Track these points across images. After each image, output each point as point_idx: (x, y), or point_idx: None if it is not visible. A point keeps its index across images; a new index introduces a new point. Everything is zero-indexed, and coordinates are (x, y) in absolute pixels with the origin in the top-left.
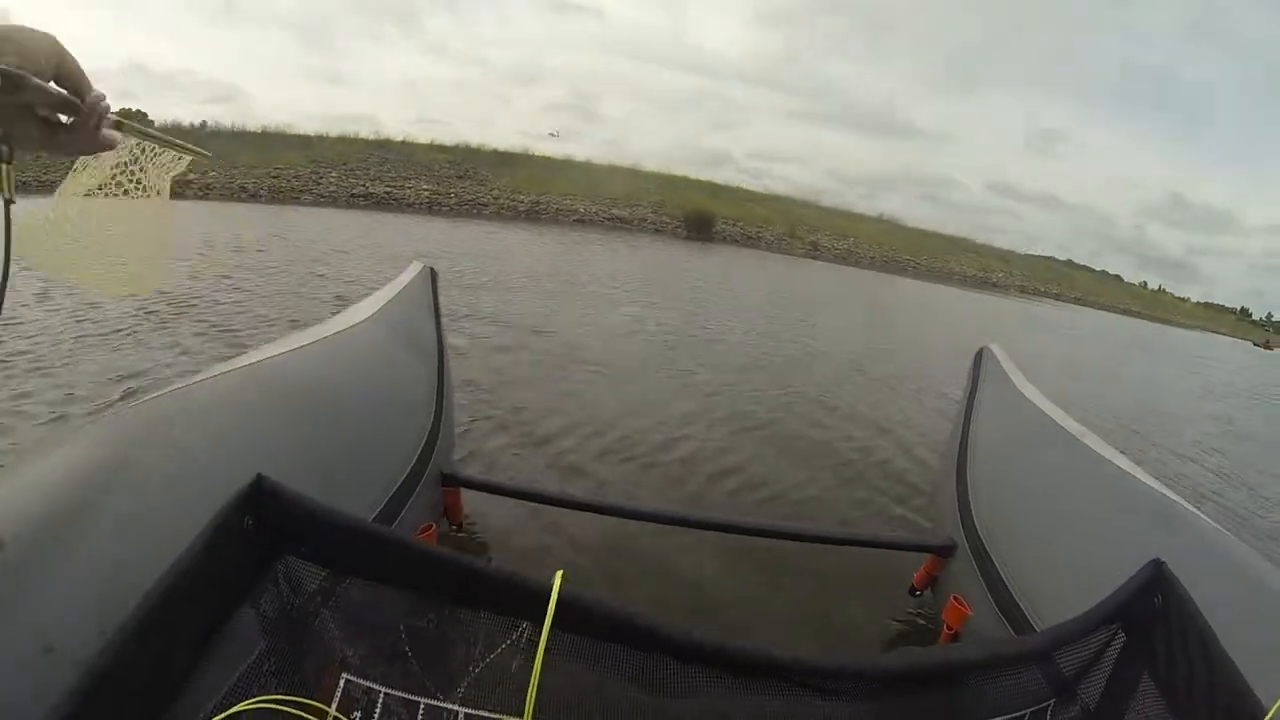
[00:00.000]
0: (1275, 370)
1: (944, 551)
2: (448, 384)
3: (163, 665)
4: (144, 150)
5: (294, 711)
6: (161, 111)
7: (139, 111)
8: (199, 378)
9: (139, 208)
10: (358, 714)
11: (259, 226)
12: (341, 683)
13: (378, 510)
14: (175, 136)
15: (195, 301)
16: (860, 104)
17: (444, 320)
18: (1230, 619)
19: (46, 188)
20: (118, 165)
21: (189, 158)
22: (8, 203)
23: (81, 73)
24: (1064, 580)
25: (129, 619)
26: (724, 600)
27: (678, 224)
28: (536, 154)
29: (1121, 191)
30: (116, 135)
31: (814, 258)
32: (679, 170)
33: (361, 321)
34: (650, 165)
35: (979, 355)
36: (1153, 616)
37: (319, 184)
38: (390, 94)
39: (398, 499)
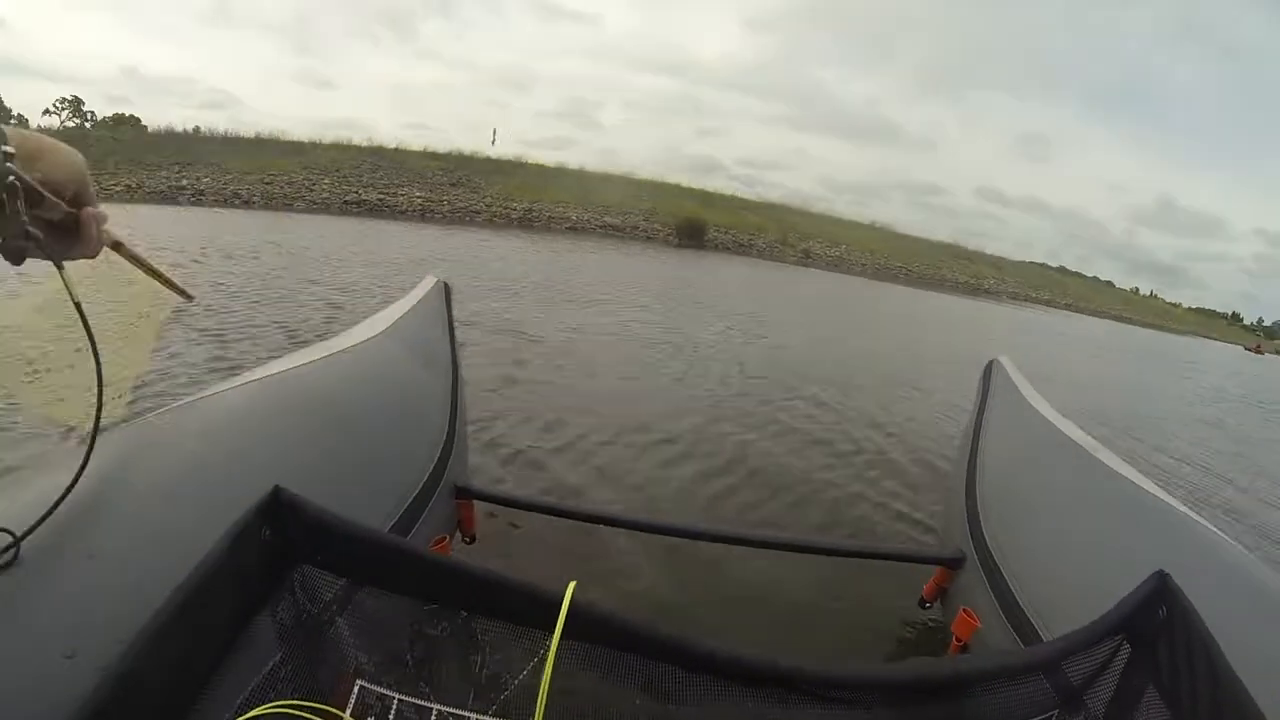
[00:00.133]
0: (1266, 374)
1: (953, 564)
2: (461, 397)
3: (182, 670)
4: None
5: (309, 717)
6: (155, 116)
7: (132, 117)
8: (218, 389)
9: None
10: (371, 719)
11: (251, 233)
12: (356, 689)
13: (392, 522)
14: (167, 135)
15: (187, 308)
16: (849, 111)
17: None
18: (1235, 631)
19: None
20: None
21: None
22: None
23: (93, 192)
24: (1073, 593)
25: (149, 624)
26: (731, 610)
27: (669, 232)
28: (530, 162)
29: (1111, 196)
30: (109, 238)
31: (806, 265)
32: (671, 178)
33: (376, 335)
34: (643, 173)
35: (988, 367)
36: (1157, 628)
37: (312, 190)
38: (384, 100)
39: (412, 512)
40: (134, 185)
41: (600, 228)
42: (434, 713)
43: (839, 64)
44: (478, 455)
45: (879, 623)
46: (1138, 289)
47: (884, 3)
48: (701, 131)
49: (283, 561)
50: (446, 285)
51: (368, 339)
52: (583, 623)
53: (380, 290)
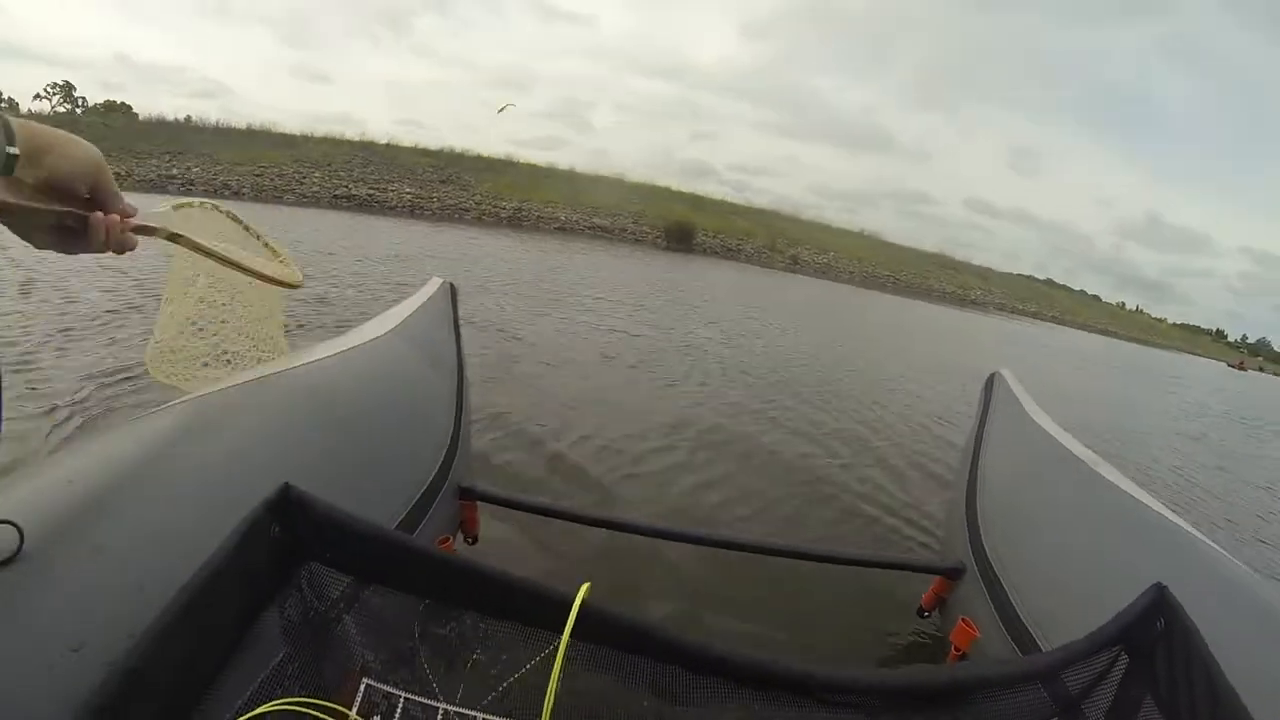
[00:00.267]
0: (1249, 390)
1: (953, 574)
2: (466, 398)
3: (189, 667)
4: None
5: (316, 714)
6: (147, 104)
7: (124, 104)
8: (227, 384)
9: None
10: (377, 718)
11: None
12: (362, 687)
13: (397, 522)
14: (161, 127)
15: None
16: (843, 119)
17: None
18: (1232, 646)
19: None
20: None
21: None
22: None
23: (113, 187)
24: (1072, 605)
25: (157, 620)
26: (731, 615)
27: (658, 234)
28: (521, 161)
29: (1099, 210)
30: (133, 238)
31: (794, 271)
32: (662, 181)
33: (384, 334)
34: (634, 176)
35: (990, 380)
36: (1155, 640)
37: (302, 184)
38: (378, 95)
39: (417, 511)
40: (123, 173)
41: (589, 229)
42: (440, 712)
43: (834, 72)
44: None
45: (877, 630)
46: (1124, 303)
47: (880, 13)
48: (695, 136)
49: (291, 559)
50: (453, 286)
51: (376, 337)
52: (594, 623)
53: (374, 286)
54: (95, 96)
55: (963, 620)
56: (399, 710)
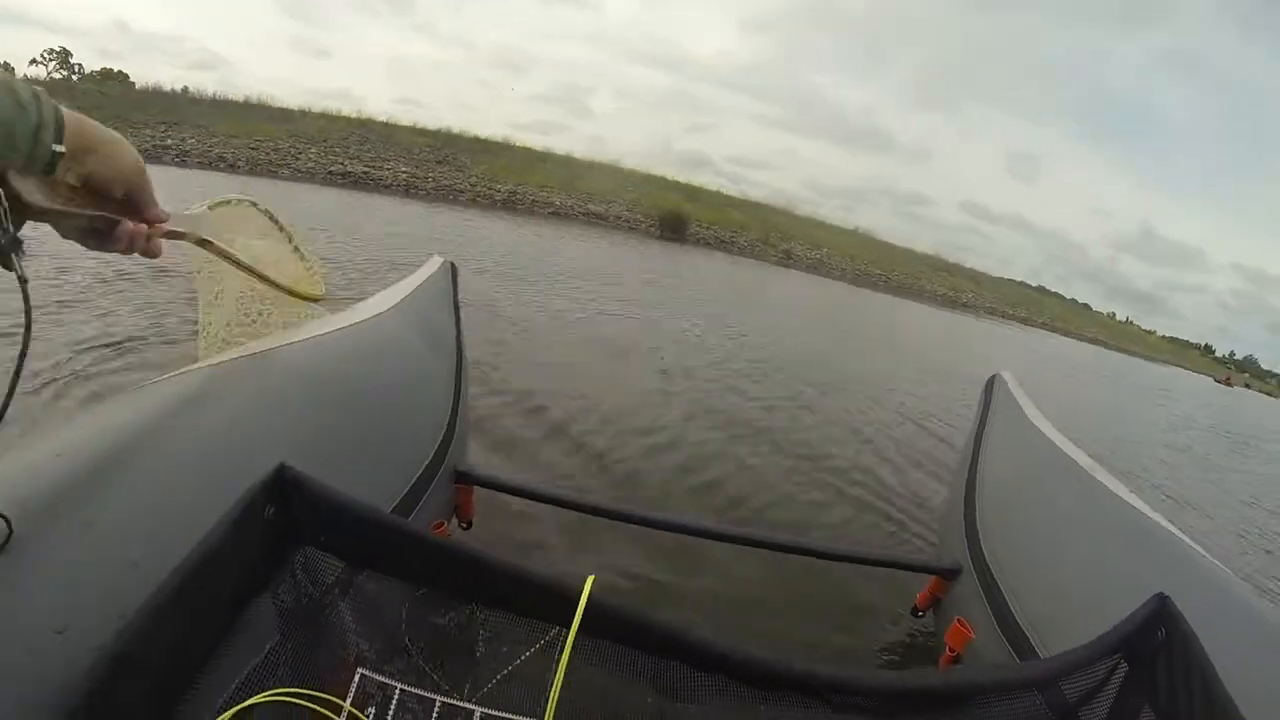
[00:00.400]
0: (1234, 405)
1: (949, 575)
2: (465, 380)
3: (180, 652)
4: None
5: (308, 705)
6: (144, 73)
7: (120, 73)
8: (222, 359)
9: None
10: (372, 709)
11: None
12: (357, 677)
13: (393, 505)
14: (155, 94)
15: (172, 268)
16: (842, 116)
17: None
18: (1232, 659)
19: None
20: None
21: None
22: (23, 281)
23: (150, 194)
24: (1069, 609)
25: (148, 603)
26: (723, 607)
27: (651, 223)
28: (517, 144)
29: (1095, 221)
30: (160, 244)
31: (786, 265)
32: (658, 170)
33: (383, 312)
34: (630, 163)
35: (990, 383)
36: (1155, 650)
37: (298, 159)
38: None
39: (413, 494)
40: None
41: (583, 214)
42: (437, 704)
43: (835, 69)
44: None
45: (871, 627)
46: (1114, 314)
47: (883, 11)
48: (693, 127)
49: (285, 542)
50: (453, 266)
51: (375, 316)
52: (597, 617)
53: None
54: (92, 64)
55: (958, 621)
56: (394, 701)
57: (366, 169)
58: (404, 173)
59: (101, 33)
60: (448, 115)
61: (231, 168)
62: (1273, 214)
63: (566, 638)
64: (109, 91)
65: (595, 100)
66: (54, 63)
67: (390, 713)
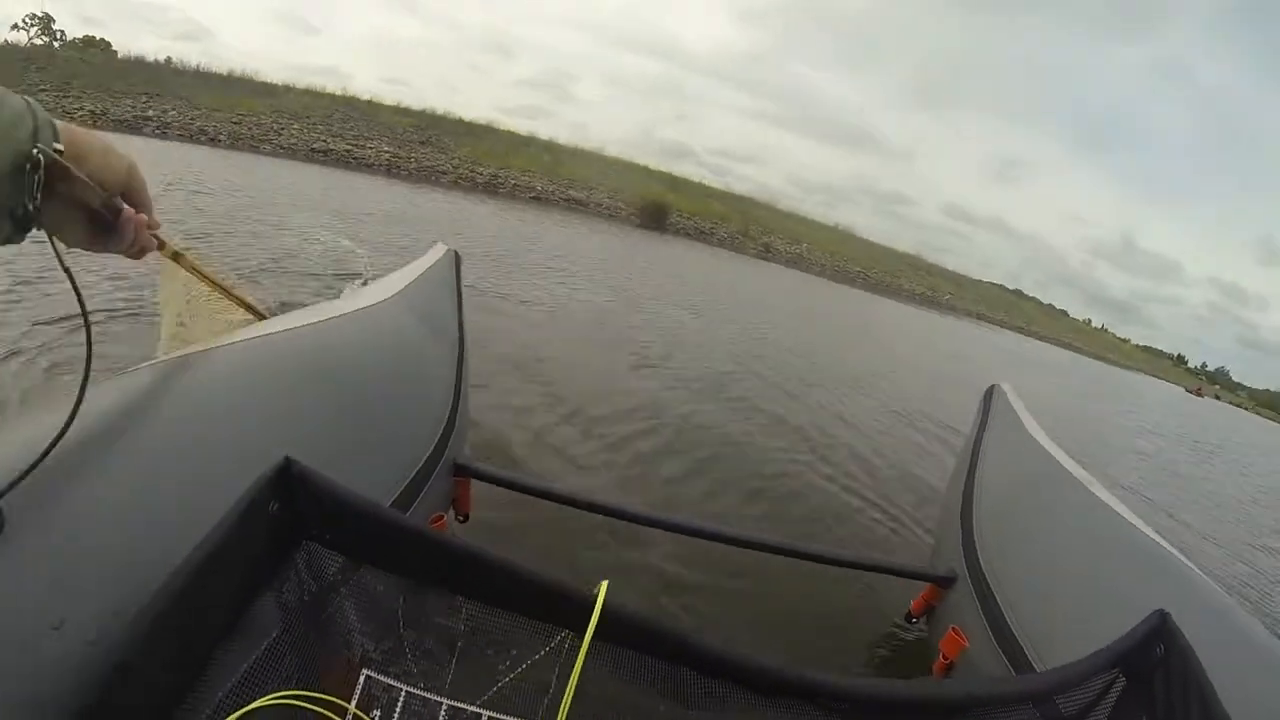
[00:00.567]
0: (1201, 413)
1: (944, 582)
2: (466, 371)
3: (183, 651)
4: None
5: (312, 708)
6: (127, 43)
7: (103, 40)
8: (220, 342)
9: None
10: (377, 712)
11: (217, 172)
12: (362, 678)
13: (393, 498)
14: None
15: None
16: (829, 113)
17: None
18: (1228, 677)
19: None
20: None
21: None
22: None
23: (145, 193)
24: (1065, 621)
25: (152, 603)
26: (714, 607)
27: (632, 211)
28: (501, 128)
29: (1075, 228)
30: (153, 241)
31: (766, 259)
32: (641, 159)
33: (387, 299)
34: (613, 151)
35: (988, 393)
36: (1153, 665)
37: (280, 135)
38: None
39: (413, 487)
40: (98, 111)
41: (564, 200)
42: (444, 707)
43: (822, 67)
44: None
45: (864, 633)
46: (1090, 320)
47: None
48: (678, 116)
49: (289, 538)
50: (457, 254)
51: (377, 303)
52: (611, 623)
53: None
54: (75, 30)
55: (953, 629)
56: (400, 704)
57: (349, 147)
58: (387, 152)
59: None
60: (433, 96)
61: (213, 141)
62: (1251, 230)
63: (580, 643)
64: (91, 59)
65: (581, 87)
66: (36, 28)
67: (396, 715)
